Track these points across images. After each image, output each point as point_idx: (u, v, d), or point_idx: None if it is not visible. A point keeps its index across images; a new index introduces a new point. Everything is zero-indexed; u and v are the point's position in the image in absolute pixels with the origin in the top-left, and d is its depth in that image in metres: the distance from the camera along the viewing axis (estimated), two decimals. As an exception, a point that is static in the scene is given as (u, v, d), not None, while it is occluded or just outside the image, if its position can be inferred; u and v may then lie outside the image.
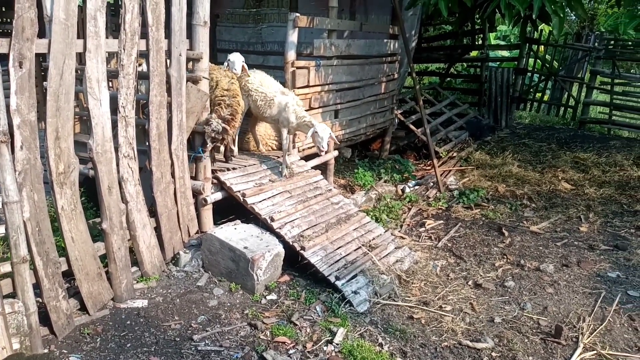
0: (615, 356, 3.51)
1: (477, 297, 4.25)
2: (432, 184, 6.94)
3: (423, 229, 5.72)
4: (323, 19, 5.95)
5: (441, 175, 7.12)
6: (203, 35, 4.33)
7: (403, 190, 6.69)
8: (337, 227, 4.82)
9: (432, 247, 5.26)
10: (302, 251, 4.30)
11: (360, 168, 6.75)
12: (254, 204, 4.57)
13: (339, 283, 4.11)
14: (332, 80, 6.18)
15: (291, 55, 5.49)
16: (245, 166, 5.06)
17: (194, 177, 4.56)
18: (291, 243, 4.36)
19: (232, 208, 5.01)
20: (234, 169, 4.93)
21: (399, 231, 5.61)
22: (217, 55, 8.28)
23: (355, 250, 4.64)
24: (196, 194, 4.55)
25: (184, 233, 4.47)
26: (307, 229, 4.60)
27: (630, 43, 10.67)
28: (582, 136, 8.90)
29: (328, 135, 4.92)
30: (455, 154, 8.11)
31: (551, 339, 3.67)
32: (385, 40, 7.27)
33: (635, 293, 4.42)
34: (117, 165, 3.76)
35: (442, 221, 5.93)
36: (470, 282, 4.52)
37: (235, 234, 4.31)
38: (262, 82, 5.27)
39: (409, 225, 5.82)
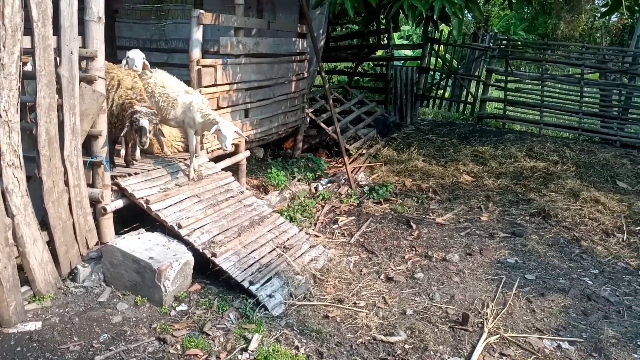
0: (516, 338, 3.74)
1: (389, 291, 4.35)
2: (343, 181, 7.03)
3: (336, 225, 5.77)
4: (229, 17, 5.79)
5: (352, 172, 7.24)
6: (97, 32, 4.02)
7: (316, 189, 6.72)
8: (250, 230, 4.71)
9: (346, 243, 5.33)
10: (213, 258, 4.14)
11: (274, 168, 6.68)
12: (159, 210, 4.33)
13: (253, 288, 4.01)
14: (240, 78, 6.04)
15: (196, 53, 5.28)
16: (148, 170, 4.78)
17: (91, 185, 4.22)
18: (201, 250, 4.19)
19: (135, 216, 4.73)
20: (136, 174, 4.64)
21: (313, 229, 5.61)
22: (117, 53, 7.79)
23: (269, 252, 4.56)
24: (94, 202, 4.22)
25: (82, 245, 4.13)
26: (218, 234, 4.45)
27: (520, 43, 11.54)
28: (480, 130, 9.47)
29: (232, 133, 4.66)
30: (364, 151, 8.29)
31: (459, 326, 3.84)
32: (294, 39, 7.25)
33: (531, 276, 4.76)
34: (0, 175, 3.39)
35: (354, 217, 6.02)
36: (382, 276, 4.62)
37: (139, 244, 4.06)
38: (164, 81, 5.00)
39: (322, 223, 5.85)
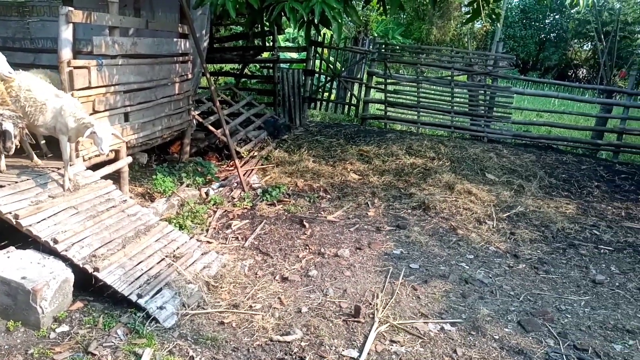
0: (404, 324, 3.97)
1: (284, 291, 4.39)
2: (236, 184, 6.95)
3: (230, 230, 5.69)
4: (102, 15, 5.43)
5: (244, 174, 7.18)
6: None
7: (207, 193, 6.56)
8: (135, 240, 4.47)
9: (240, 247, 5.27)
10: (95, 273, 3.87)
11: (159, 173, 6.40)
12: (30, 225, 3.94)
13: (141, 301, 3.82)
14: (118, 80, 5.69)
15: (66, 53, 4.88)
16: (16, 182, 4.33)
17: (-55, 201, 3.73)
18: (82, 265, 3.89)
19: (4, 233, 4.26)
20: (1, 186, 4.18)
21: (206, 236, 5.47)
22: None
23: (158, 263, 4.36)
24: (-50, 221, 3.74)
25: (-64, 271, 3.63)
26: (100, 247, 4.16)
27: (397, 47, 12.24)
28: (365, 131, 9.90)
29: (109, 135, 4.39)
30: (256, 153, 8.26)
31: (352, 319, 3.99)
32: (175, 40, 6.99)
33: (415, 265, 5.08)
34: None
35: (248, 220, 5.98)
36: (277, 277, 4.64)
37: (9, 263, 3.67)
38: (30, 84, 4.56)
39: (215, 228, 5.72)
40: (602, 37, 14.05)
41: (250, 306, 4.11)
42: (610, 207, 7.19)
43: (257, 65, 12.52)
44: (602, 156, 10.16)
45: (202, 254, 4.74)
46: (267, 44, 10.55)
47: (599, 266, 5.40)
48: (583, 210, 6.99)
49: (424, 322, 4.03)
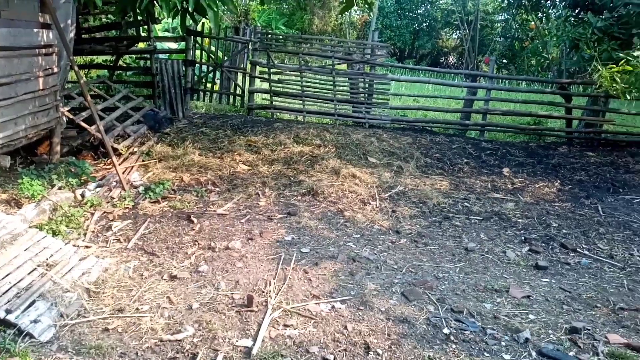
0: (297, 308, 4.06)
1: (173, 289, 4.26)
2: (115, 183, 6.56)
3: (110, 232, 5.37)
4: (-60, 1, 4.78)
5: (124, 172, 6.80)
6: None
7: (83, 195, 6.11)
8: (0, 252, 4.05)
9: (123, 249, 5.00)
10: (-49, 291, 3.45)
11: (26, 177, 5.83)
12: None
13: (11, 316, 3.48)
14: (-34, 76, 5.08)
15: None
16: None
17: None
18: None
19: None
20: None
21: (83, 240, 5.11)
22: None
23: (29, 273, 4.01)
24: None
25: None
26: (-44, 261, 3.72)
27: (281, 37, 12.29)
28: (252, 121, 9.85)
29: None
30: (136, 149, 7.85)
31: (245, 309, 3.99)
32: (35, 30, 6.37)
33: (306, 249, 5.20)
34: None
35: (130, 220, 5.68)
36: (165, 276, 4.49)
37: None
38: None
39: (94, 231, 5.37)
40: (466, 26, 15.30)
41: (137, 309, 3.94)
42: (478, 181, 7.92)
43: (132, 56, 11.84)
44: (472, 135, 11.12)
45: (80, 260, 4.43)
46: (143, 34, 10.03)
47: (470, 235, 5.95)
48: (455, 186, 7.63)
49: (316, 303, 4.15)
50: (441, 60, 29.67)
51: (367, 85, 10.75)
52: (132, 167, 7.24)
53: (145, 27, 9.74)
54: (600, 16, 8.67)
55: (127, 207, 6.03)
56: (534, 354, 3.66)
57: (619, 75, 6.21)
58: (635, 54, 6.21)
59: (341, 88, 10.77)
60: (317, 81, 10.81)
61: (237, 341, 3.59)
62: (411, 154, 8.72)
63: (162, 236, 5.32)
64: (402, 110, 11.76)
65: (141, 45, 10.99)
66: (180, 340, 3.55)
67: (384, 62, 11.10)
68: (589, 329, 4.02)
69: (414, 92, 13.99)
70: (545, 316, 4.23)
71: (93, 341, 3.48)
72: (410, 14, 28.81)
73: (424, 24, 29.00)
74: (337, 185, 7.03)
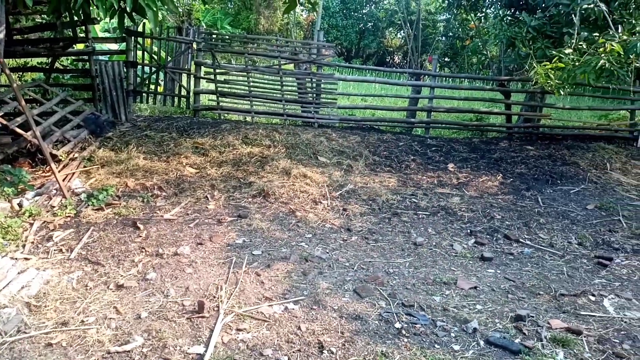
0: (250, 311, 4.02)
1: (120, 299, 4.12)
2: (55, 191, 6.26)
3: (51, 242, 5.13)
4: None
5: (64, 179, 6.51)
6: None
7: (21, 205, 5.80)
8: None
9: (65, 260, 4.79)
10: None
11: (-45, 188, 5.48)
12: None
13: (-59, 337, 3.26)
14: None
15: None
16: None
17: None
18: None
19: None
20: None
21: (22, 252, 4.86)
22: None
23: (-40, 290, 3.76)
24: None
25: None
26: None
27: (227, 37, 12.09)
28: (199, 123, 9.66)
29: None
30: (77, 155, 7.53)
31: (196, 315, 3.91)
32: (-41, 31, 5.99)
33: (258, 252, 5.15)
34: None
35: (72, 230, 5.45)
36: (111, 286, 4.33)
37: None
38: None
39: (33, 243, 5.11)
40: (409, 25, 15.65)
41: (82, 321, 3.78)
42: (425, 177, 8.12)
43: (70, 58, 11.34)
44: (418, 132, 11.39)
45: (18, 273, 4.22)
46: (81, 35, 9.62)
47: (419, 230, 6.09)
48: (403, 182, 7.78)
49: (269, 305, 4.12)
50: (387, 60, 30.23)
51: (314, 85, 10.78)
52: (73, 173, 6.93)
53: (83, 27, 9.34)
54: (534, 15, 9.08)
55: (69, 216, 5.78)
56: (482, 343, 3.79)
57: (553, 72, 6.52)
58: (566, 51, 6.54)
59: (289, 88, 10.74)
60: (265, 81, 10.74)
61: (188, 349, 3.51)
62: (360, 152, 8.83)
63: (107, 244, 5.12)
64: (350, 109, 11.88)
65: (79, 46, 10.55)
66: (128, 351, 3.43)
67: (330, 62, 11.16)
68: (532, 316, 4.20)
69: (362, 91, 14.17)
70: (492, 306, 4.38)
71: (35, 357, 3.31)
72: (356, 14, 29.19)
73: (369, 24, 29.46)
74: (288, 185, 7.01)
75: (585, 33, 7.05)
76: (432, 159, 9.14)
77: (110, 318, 3.84)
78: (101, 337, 3.57)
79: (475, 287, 4.70)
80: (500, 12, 11.35)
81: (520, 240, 5.98)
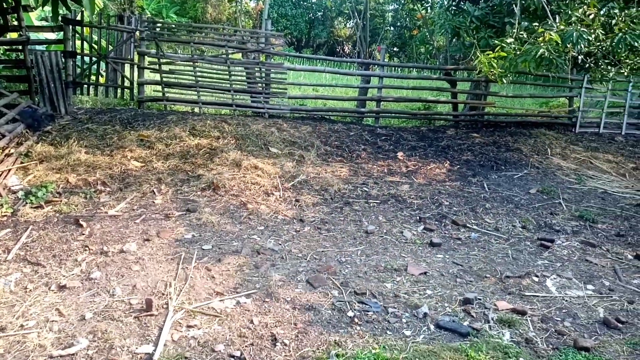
0: (200, 307, 3.94)
1: (63, 300, 3.94)
2: (-12, 189, 5.90)
3: (-15, 244, 4.83)
4: None
5: (-2, 177, 6.14)
6: None
7: (-51, 205, 5.44)
8: None
9: (2, 261, 4.52)
10: None
11: None
12: None
13: None
14: None
15: None
16: None
17: None
18: None
19: None
20: None
21: (-48, 256, 4.55)
22: None
23: None
24: None
25: None
26: None
27: (173, 26, 11.72)
28: (143, 115, 9.34)
29: None
30: (13, 150, 7.10)
31: (144, 314, 3.79)
32: None
33: (208, 246, 5.05)
34: None
35: (9, 229, 5.15)
36: (53, 287, 4.13)
37: None
38: None
39: (-36, 245, 4.79)
40: (357, 15, 15.71)
41: (22, 325, 3.58)
42: (375, 166, 8.21)
43: (2, 48, 10.67)
44: (368, 122, 11.48)
45: (-52, 278, 3.94)
46: (14, 23, 9.06)
47: (370, 218, 6.15)
48: (354, 172, 7.84)
49: (220, 300, 4.05)
50: (337, 50, 30.29)
51: (264, 75, 10.64)
52: (9, 170, 6.55)
53: (15, 15, 8.80)
54: (478, 6, 9.30)
55: (5, 215, 5.46)
56: (432, 327, 3.88)
57: (495, 61, 6.70)
58: (508, 40, 6.73)
59: (238, 78, 10.56)
60: (212, 71, 10.49)
61: (136, 348, 3.40)
62: (312, 142, 8.81)
63: (47, 244, 4.87)
64: (301, 99, 11.81)
65: (12, 35, 9.93)
66: (73, 354, 3.28)
67: (279, 52, 11.04)
68: (480, 299, 4.33)
69: (313, 81, 14.12)
70: (441, 290, 4.49)
71: (-33, 368, 3.11)
72: (305, 3, 29.04)
73: (319, 13, 29.39)
74: (238, 177, 6.90)
75: (526, 23, 7.29)
76: (382, 148, 9.25)
77: (53, 321, 3.66)
78: (43, 342, 3.39)
79: (425, 273, 4.80)
80: (446, 2, 11.57)
81: (467, 225, 6.15)
